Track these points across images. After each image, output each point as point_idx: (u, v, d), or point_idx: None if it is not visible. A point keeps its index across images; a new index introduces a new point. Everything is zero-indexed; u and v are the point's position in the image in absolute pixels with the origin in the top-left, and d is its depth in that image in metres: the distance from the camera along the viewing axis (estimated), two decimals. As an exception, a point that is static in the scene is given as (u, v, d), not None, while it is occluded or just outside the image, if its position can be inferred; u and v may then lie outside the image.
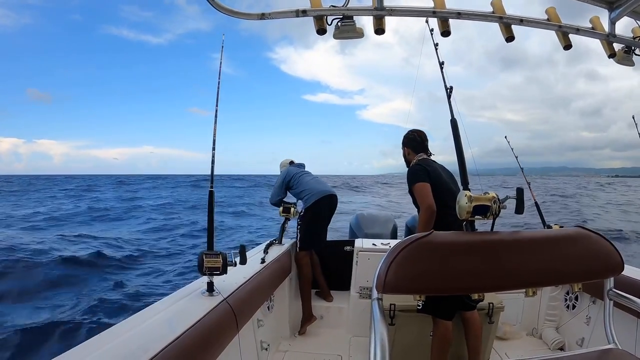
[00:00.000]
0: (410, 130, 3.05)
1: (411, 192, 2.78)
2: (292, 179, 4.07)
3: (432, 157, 2.99)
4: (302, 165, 4.35)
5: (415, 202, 2.80)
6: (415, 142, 3.01)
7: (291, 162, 4.40)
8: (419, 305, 2.47)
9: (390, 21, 1.86)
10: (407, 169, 2.94)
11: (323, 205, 3.91)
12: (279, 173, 4.31)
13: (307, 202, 3.90)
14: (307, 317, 3.69)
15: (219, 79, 2.40)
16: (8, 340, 5.20)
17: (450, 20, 1.89)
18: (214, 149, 2.24)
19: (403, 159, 3.09)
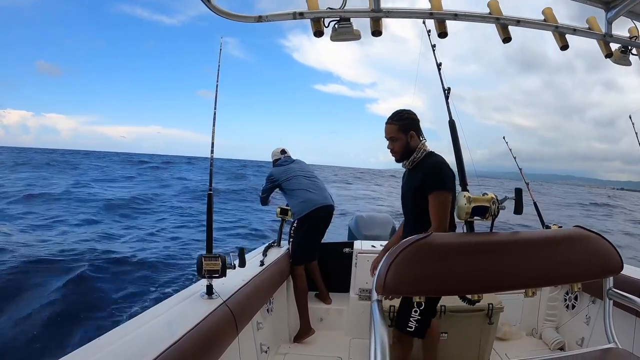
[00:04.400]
0: (404, 110, 2.45)
1: (423, 194, 2.23)
2: (278, 181, 3.84)
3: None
4: (289, 159, 4.02)
5: (417, 209, 2.30)
6: (417, 122, 2.42)
7: (282, 151, 4.08)
8: (410, 328, 2.28)
9: (387, 20, 1.87)
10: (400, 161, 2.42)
11: (318, 218, 3.71)
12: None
13: (300, 212, 3.68)
14: (305, 330, 3.58)
15: (217, 81, 2.39)
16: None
17: (447, 22, 1.89)
18: (212, 151, 2.24)
19: (396, 150, 2.42)
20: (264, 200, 4.08)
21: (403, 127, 2.37)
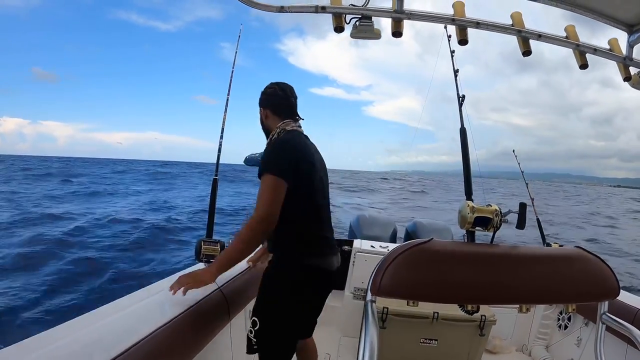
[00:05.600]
0: (271, 83, 2.16)
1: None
2: None
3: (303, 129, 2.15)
4: None
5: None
6: (277, 98, 2.10)
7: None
8: (254, 344, 1.94)
9: (408, 23, 1.86)
10: (269, 145, 2.05)
11: None
12: None
13: None
14: None
15: (233, 67, 2.40)
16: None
17: (469, 30, 1.89)
18: (221, 137, 2.25)
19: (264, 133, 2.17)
20: None
21: (259, 102, 2.16)
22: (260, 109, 2.15)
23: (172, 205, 19.40)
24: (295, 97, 2.15)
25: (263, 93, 2.13)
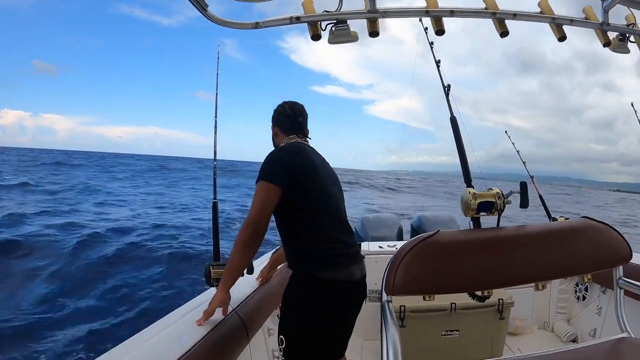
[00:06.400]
0: (282, 102, 2.24)
1: None
2: None
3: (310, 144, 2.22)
4: None
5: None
6: (285, 117, 2.17)
7: None
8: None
9: (384, 22, 1.87)
10: None
11: None
12: None
13: None
14: None
15: (217, 89, 2.40)
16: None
17: (444, 19, 1.89)
18: (215, 160, 2.25)
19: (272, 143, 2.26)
20: None
21: (271, 119, 2.23)
22: (272, 128, 2.22)
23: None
24: (305, 117, 2.21)
25: (275, 111, 2.21)
